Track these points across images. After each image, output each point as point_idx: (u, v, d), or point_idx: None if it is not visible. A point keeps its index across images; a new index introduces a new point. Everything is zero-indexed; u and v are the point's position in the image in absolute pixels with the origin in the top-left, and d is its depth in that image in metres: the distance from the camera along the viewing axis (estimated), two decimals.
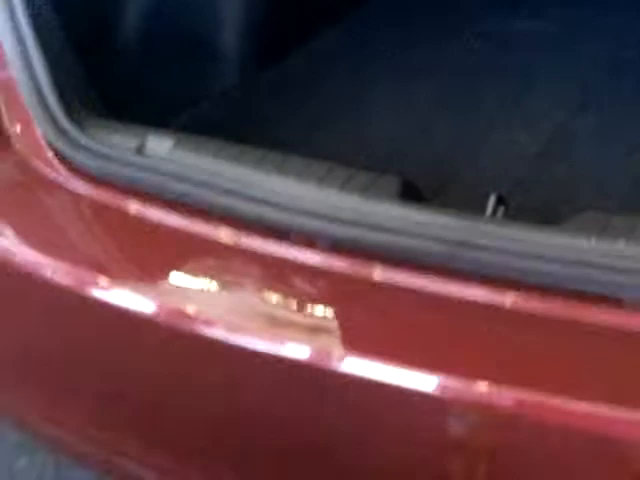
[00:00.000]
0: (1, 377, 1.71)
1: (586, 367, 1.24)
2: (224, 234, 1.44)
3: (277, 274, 1.42)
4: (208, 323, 1.38)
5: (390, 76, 2.12)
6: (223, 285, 1.46)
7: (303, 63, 2.17)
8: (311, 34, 2.22)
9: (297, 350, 1.34)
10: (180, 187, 1.46)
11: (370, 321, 1.35)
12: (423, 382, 1.27)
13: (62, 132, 1.55)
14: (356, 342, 1.33)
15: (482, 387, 1.24)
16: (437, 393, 1.27)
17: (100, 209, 1.54)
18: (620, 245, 1.26)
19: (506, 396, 1.24)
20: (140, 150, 1.51)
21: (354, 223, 1.36)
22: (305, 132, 1.92)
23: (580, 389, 1.22)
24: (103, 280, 1.46)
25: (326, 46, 2.23)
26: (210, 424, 1.44)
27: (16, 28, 1.60)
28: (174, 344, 1.42)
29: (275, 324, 1.38)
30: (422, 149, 1.86)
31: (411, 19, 2.35)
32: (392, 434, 1.31)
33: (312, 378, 1.33)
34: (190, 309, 1.40)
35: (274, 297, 1.43)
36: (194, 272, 1.46)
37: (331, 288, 1.39)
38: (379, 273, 1.35)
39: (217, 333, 1.37)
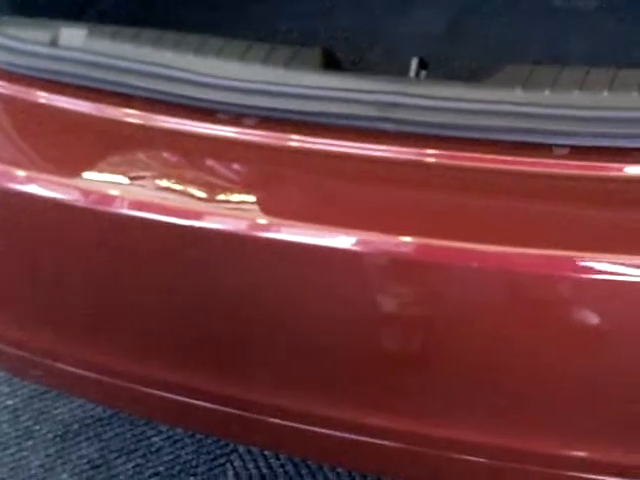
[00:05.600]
0: None
1: (516, 214, 1.28)
2: (148, 118, 1.43)
3: (205, 152, 1.41)
4: (138, 205, 1.38)
5: None
6: (154, 167, 1.45)
7: None
8: None
9: (229, 223, 1.35)
10: (100, 75, 1.44)
11: (300, 189, 1.37)
12: (355, 241, 1.30)
13: None
14: (285, 209, 1.34)
15: (411, 240, 1.28)
16: (368, 250, 1.30)
17: (18, 105, 1.51)
18: (546, 94, 1.28)
19: (433, 247, 1.27)
20: (54, 42, 1.48)
21: (281, 95, 1.36)
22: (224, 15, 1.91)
23: (499, 234, 1.26)
24: (24, 173, 1.45)
25: None
26: (141, 302, 1.45)
27: None
28: (103, 229, 1.41)
29: (205, 200, 1.38)
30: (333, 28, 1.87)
31: None
32: (319, 296, 1.34)
33: (241, 248, 1.35)
34: (119, 192, 1.39)
35: (204, 175, 1.43)
36: (123, 157, 1.46)
37: (262, 161, 1.39)
38: (309, 142, 1.35)
39: (147, 214, 1.37)
